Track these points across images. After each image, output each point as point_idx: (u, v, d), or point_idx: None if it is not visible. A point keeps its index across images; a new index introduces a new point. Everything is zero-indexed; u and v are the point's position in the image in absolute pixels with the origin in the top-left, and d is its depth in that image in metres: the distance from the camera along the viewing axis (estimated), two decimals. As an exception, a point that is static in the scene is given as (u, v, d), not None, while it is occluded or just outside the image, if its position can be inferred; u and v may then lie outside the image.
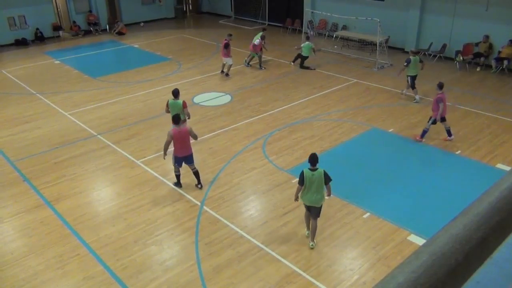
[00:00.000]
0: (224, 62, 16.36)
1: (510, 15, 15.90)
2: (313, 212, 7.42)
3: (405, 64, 13.66)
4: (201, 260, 7.31)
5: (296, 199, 7.54)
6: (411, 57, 13.60)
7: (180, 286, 6.79)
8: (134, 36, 23.35)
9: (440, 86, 10.91)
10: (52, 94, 15.17)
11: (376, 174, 9.93)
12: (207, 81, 16.08)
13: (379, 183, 9.56)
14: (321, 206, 7.43)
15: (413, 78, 13.77)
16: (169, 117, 12.88)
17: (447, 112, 11.19)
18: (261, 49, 17.39)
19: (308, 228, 7.76)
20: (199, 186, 9.38)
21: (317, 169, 7.21)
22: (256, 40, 17.17)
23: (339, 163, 10.35)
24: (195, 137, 9.22)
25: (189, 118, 10.57)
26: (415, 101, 13.94)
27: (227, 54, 15.98)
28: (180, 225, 8.19)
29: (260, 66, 17.48)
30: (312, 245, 7.56)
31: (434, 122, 11.06)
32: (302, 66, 17.37)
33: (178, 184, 9.40)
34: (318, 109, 13.39)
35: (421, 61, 13.76)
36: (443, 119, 11.08)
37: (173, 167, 9.36)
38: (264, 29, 18.57)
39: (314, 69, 17.24)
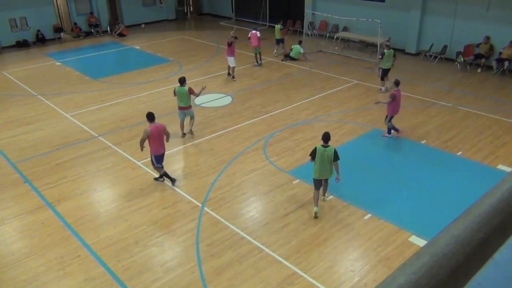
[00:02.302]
0: (229, 64, 16.24)
1: (511, 16, 15.90)
2: (323, 182, 8.43)
3: (380, 57, 14.66)
4: (202, 261, 7.30)
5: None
6: (385, 51, 14.44)
7: (181, 287, 6.78)
8: (135, 38, 23.39)
9: (397, 83, 11.12)
10: (53, 95, 15.19)
11: (377, 175, 9.92)
12: (208, 82, 16.06)
13: (380, 185, 9.55)
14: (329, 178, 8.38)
15: (385, 70, 14.58)
16: (170, 118, 12.96)
17: (400, 110, 11.37)
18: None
19: (316, 205, 8.39)
20: (161, 179, 9.63)
21: (328, 146, 8.11)
22: (258, 33, 17.58)
23: (340, 165, 10.33)
24: (168, 136, 9.42)
25: (197, 96, 11.61)
26: (380, 90, 14.77)
27: (230, 53, 15.86)
28: (181, 227, 8.19)
29: (259, 61, 17.84)
30: (323, 198, 8.71)
31: (390, 117, 11.22)
32: (286, 55, 18.59)
33: (173, 180, 9.47)
34: (319, 110, 13.39)
35: (394, 55, 14.54)
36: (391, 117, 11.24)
37: (165, 170, 9.49)
38: (283, 23, 19.61)
39: (285, 61, 18.39)
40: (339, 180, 8.27)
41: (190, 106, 11.35)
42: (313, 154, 8.14)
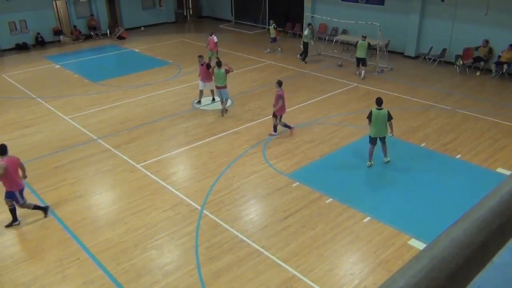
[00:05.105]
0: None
1: (510, 20, 15.93)
2: (381, 143, 9.96)
3: (354, 45, 16.70)
4: (201, 264, 7.29)
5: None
6: (359, 41, 16.29)
7: (180, 290, 6.77)
8: (135, 41, 23.42)
9: (279, 83, 11.49)
10: (53, 98, 15.19)
11: (377, 178, 9.93)
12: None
13: (379, 187, 9.56)
14: (385, 137, 9.89)
15: (358, 59, 16.35)
16: (170, 121, 12.98)
17: (285, 109, 11.70)
18: (216, 50, 17.92)
19: (369, 160, 10.12)
20: (17, 223, 8.33)
21: (382, 109, 9.64)
22: (215, 38, 17.87)
23: (339, 167, 10.35)
24: (24, 170, 8.35)
25: (231, 71, 13.22)
26: (361, 77, 16.45)
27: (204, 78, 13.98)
28: (180, 229, 8.18)
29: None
30: (386, 160, 10.24)
31: (276, 117, 11.61)
32: (304, 52, 18.56)
33: (46, 209, 8.55)
34: (318, 113, 13.40)
35: (369, 48, 16.37)
36: (275, 115, 11.66)
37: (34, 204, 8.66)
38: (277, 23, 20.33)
39: (304, 61, 18.72)
40: (393, 134, 10.08)
41: (224, 86, 13.01)
42: (369, 117, 9.71)
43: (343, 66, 17.75)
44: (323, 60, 19.05)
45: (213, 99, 14.45)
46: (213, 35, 17.93)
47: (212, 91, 14.20)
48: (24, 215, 8.66)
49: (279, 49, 20.37)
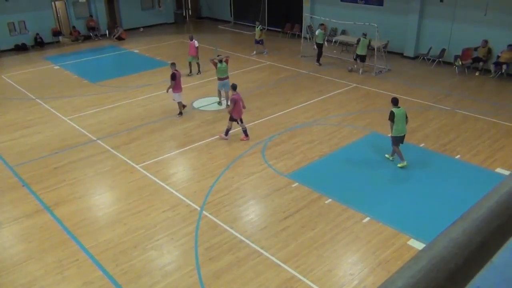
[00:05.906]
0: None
1: (509, 20, 15.95)
2: (403, 138, 10.07)
3: (356, 43, 17.11)
4: (200, 265, 7.29)
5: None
6: (361, 39, 16.64)
7: (179, 291, 6.76)
8: (134, 41, 23.41)
9: (234, 87, 11.68)
10: (52, 99, 15.18)
11: (376, 178, 9.92)
12: (207, 86, 16.11)
13: (379, 188, 9.55)
14: (405, 135, 10.08)
15: (359, 56, 16.79)
16: (169, 121, 12.97)
17: (243, 112, 11.69)
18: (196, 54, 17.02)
19: (403, 160, 10.13)
20: None
21: (400, 107, 9.94)
22: (196, 42, 16.92)
23: (339, 168, 10.35)
24: None
25: (228, 57, 14.39)
26: (359, 72, 17.01)
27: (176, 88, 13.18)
28: (179, 230, 8.17)
29: (195, 71, 17.39)
30: (390, 158, 10.46)
31: (236, 121, 11.54)
32: (318, 57, 18.41)
33: None
34: (318, 114, 13.40)
35: (369, 44, 16.83)
36: (241, 120, 11.63)
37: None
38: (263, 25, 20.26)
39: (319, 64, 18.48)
40: None
41: (227, 77, 13.75)
42: (392, 117, 9.81)
43: (353, 71, 17.46)
44: (322, 60, 19.02)
45: (184, 106, 13.52)
46: (193, 40, 16.98)
47: (179, 103, 13.30)
48: (23, 216, 8.66)
49: (255, 52, 20.11)
